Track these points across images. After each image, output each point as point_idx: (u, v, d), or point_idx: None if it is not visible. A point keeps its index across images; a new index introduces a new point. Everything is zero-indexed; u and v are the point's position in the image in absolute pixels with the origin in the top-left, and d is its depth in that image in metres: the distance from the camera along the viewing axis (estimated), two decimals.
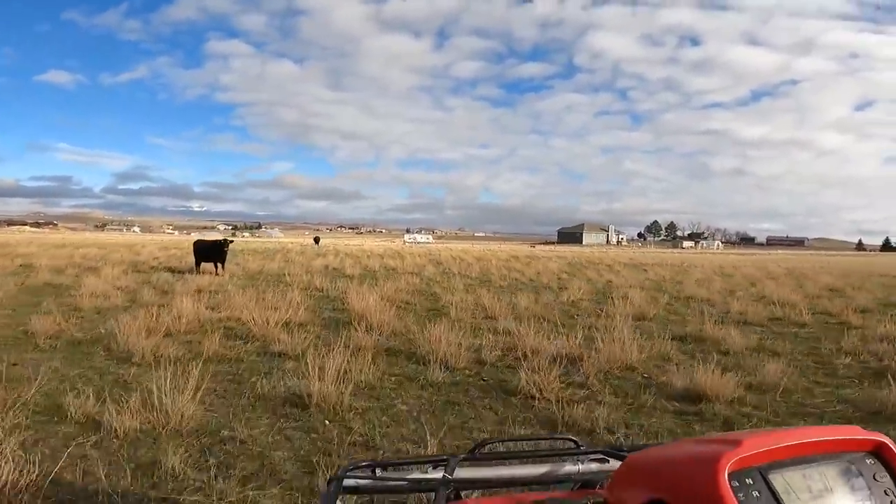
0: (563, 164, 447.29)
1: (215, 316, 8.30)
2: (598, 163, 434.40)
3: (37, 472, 2.96)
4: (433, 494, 0.97)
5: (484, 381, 5.56)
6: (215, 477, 3.23)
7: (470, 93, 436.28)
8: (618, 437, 4.05)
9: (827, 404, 5.05)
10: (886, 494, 0.71)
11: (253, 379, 5.28)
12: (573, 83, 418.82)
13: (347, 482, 0.99)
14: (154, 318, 7.19)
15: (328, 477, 1.11)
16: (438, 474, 1.01)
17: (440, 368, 5.68)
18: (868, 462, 0.73)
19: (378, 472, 1.04)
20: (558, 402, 4.59)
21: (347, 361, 5.16)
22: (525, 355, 5.91)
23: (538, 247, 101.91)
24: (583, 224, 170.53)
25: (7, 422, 3.75)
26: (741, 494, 0.65)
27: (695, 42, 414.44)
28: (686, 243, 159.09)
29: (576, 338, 6.50)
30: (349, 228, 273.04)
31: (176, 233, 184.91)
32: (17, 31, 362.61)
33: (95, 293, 10.54)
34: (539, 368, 5.18)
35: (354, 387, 4.88)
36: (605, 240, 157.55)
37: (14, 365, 5.38)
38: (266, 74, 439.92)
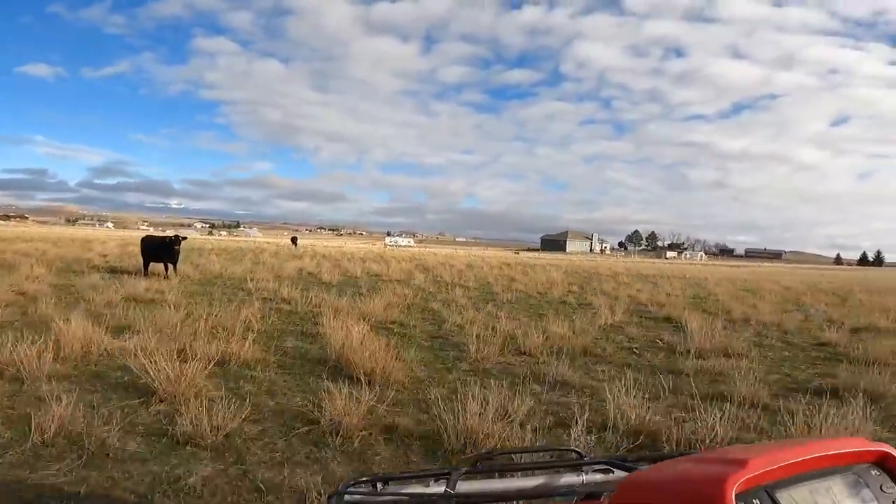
0: (545, 172, 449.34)
1: (115, 345, 5.56)
2: (581, 171, 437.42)
3: None
4: None
5: None
6: None
7: (455, 98, 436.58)
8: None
9: None
10: None
11: None
12: (558, 91, 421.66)
13: (348, 498, 0.95)
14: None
15: (328, 493, 1.04)
16: (440, 488, 0.98)
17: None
18: (874, 473, 0.71)
19: (379, 486, 0.99)
20: None
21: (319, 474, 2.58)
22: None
23: (522, 253, 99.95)
24: (566, 231, 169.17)
25: None
26: None
27: (679, 54, 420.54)
28: (669, 254, 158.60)
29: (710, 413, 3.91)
30: (329, 230, 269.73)
31: (151, 229, 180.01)
32: None
33: None
34: None
35: None
36: (589, 248, 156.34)
37: None
38: (251, 73, 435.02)
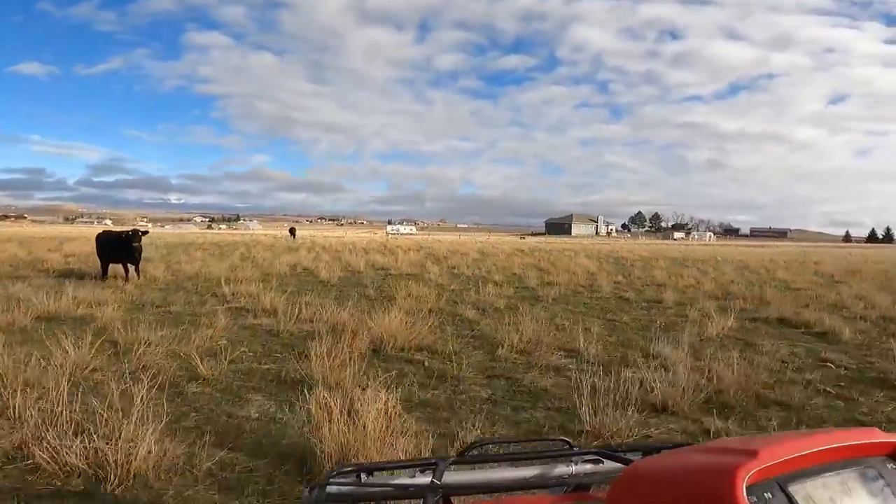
0: (543, 157, 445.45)
1: None
2: (578, 155, 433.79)
3: None
4: (420, 502, 0.89)
5: None
6: None
7: (451, 85, 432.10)
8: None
9: None
10: None
11: None
12: (554, 76, 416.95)
13: (331, 489, 0.91)
14: None
15: (311, 484, 0.94)
16: (427, 479, 0.94)
17: None
18: (889, 466, 0.68)
19: (364, 477, 0.97)
20: None
21: None
22: None
23: (528, 238, 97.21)
24: (571, 215, 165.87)
25: None
26: None
27: (675, 36, 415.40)
28: (676, 234, 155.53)
29: None
30: (329, 220, 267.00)
31: (150, 225, 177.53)
32: None
33: None
34: None
35: None
36: (595, 231, 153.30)
37: None
38: (246, 66, 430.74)
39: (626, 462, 0.96)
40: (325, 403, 3.03)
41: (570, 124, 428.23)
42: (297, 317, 7.07)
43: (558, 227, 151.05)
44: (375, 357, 5.36)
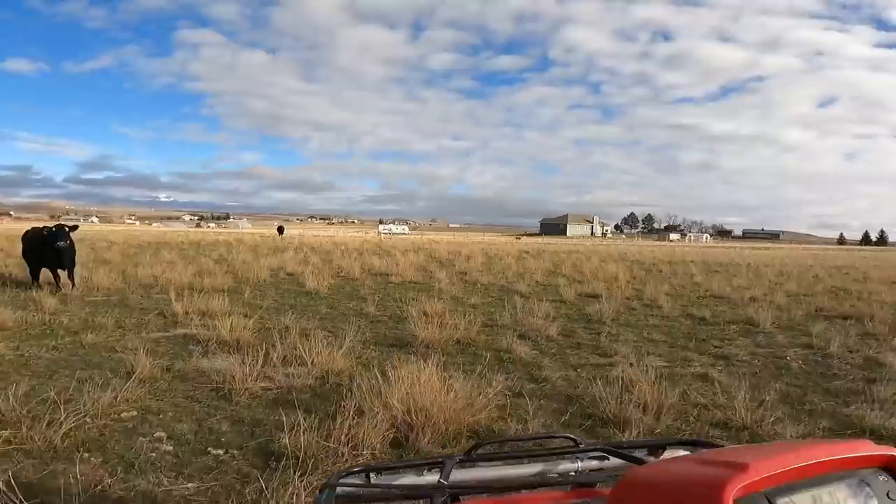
0: (535, 157, 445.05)
1: None
2: (570, 156, 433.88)
3: None
4: (428, 501, 0.90)
5: None
6: None
7: (444, 85, 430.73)
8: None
9: None
10: None
11: None
12: (547, 76, 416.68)
13: (340, 490, 0.93)
14: None
15: (320, 485, 0.96)
16: (434, 478, 0.96)
17: None
18: (881, 479, 0.67)
19: (372, 477, 0.99)
20: None
21: None
22: None
23: (523, 238, 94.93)
24: (566, 215, 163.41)
25: None
26: None
27: (667, 37, 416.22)
28: (672, 236, 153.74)
29: None
30: (320, 219, 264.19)
31: (137, 223, 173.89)
32: None
33: None
34: None
35: None
36: (590, 231, 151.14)
37: None
38: (237, 64, 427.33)
39: (631, 459, 0.96)
40: None
41: (563, 125, 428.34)
42: (265, 358, 4.63)
43: (553, 227, 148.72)
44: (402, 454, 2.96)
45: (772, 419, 3.49)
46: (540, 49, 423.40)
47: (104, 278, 10.01)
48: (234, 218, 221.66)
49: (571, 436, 1.12)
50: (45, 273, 9.23)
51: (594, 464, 1.04)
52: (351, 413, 3.02)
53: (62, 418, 2.97)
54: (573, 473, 1.04)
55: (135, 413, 3.45)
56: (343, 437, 2.84)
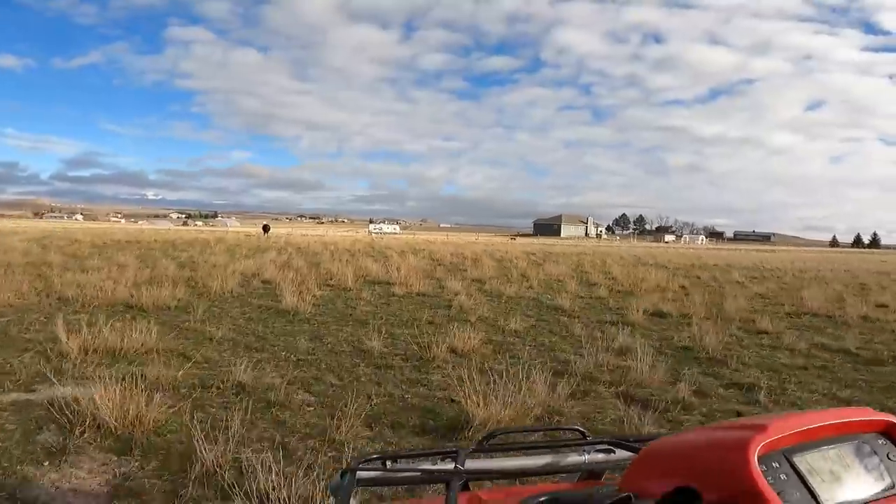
0: (525, 158, 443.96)
1: None
2: (560, 157, 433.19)
3: None
4: (442, 486, 0.93)
5: None
6: None
7: (435, 85, 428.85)
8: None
9: None
10: None
11: None
12: (538, 77, 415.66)
13: (361, 474, 0.93)
14: None
15: (340, 470, 0.94)
16: (448, 466, 0.96)
17: None
18: (880, 442, 0.73)
19: (388, 464, 0.97)
20: None
21: None
22: None
23: (518, 239, 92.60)
24: (560, 216, 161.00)
25: None
26: (770, 477, 0.64)
27: (658, 40, 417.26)
28: (667, 237, 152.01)
29: None
30: (310, 218, 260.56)
31: (123, 221, 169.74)
32: None
33: None
34: None
35: None
36: (584, 232, 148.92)
37: None
38: (228, 62, 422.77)
39: (637, 451, 0.94)
40: None
41: (553, 126, 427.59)
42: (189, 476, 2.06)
43: (547, 227, 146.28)
44: None
45: None
46: (532, 50, 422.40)
47: (8, 287, 7.39)
48: (222, 216, 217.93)
49: (579, 428, 1.08)
50: None
51: (600, 456, 1.04)
52: None
53: None
54: (580, 465, 1.04)
55: None
56: None
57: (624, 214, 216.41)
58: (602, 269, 17.53)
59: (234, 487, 2.31)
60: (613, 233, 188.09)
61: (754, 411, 3.88)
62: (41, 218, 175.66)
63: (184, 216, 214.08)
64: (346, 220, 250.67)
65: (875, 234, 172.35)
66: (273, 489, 2.27)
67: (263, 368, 4.52)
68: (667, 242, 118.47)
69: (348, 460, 1.06)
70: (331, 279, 11.03)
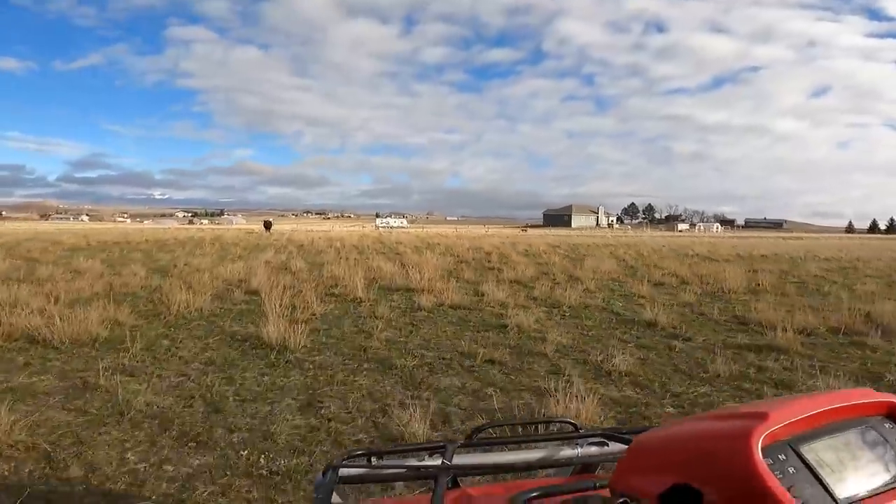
0: (528, 149, 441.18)
1: None
2: (563, 147, 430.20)
3: None
4: (430, 483, 0.87)
5: None
6: None
7: (436, 78, 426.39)
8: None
9: None
10: None
11: None
12: (540, 69, 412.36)
13: (344, 471, 0.91)
14: None
15: (323, 468, 0.92)
16: (436, 461, 0.93)
17: None
18: (886, 426, 0.68)
19: (374, 460, 0.95)
20: None
21: None
22: None
23: (529, 230, 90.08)
24: (571, 206, 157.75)
25: None
26: (777, 472, 0.57)
27: (660, 29, 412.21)
28: (681, 226, 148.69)
29: None
30: (316, 214, 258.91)
31: (128, 221, 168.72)
32: None
33: None
34: None
35: None
36: (595, 222, 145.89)
37: None
38: (229, 60, 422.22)
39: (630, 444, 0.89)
40: None
41: (556, 117, 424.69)
42: None
43: (557, 218, 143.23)
44: None
45: None
46: (533, 42, 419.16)
47: None
48: (228, 214, 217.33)
49: (571, 420, 1.04)
50: None
51: (593, 450, 1.01)
52: None
53: None
54: (573, 458, 1.01)
55: None
56: None
57: (633, 203, 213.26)
58: (648, 262, 15.09)
59: None
60: (622, 222, 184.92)
61: None
62: (47, 220, 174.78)
63: (189, 215, 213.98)
64: (351, 215, 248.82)
65: (892, 219, 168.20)
66: None
67: None
68: (680, 231, 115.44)
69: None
70: (336, 286, 8.67)
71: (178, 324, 5.72)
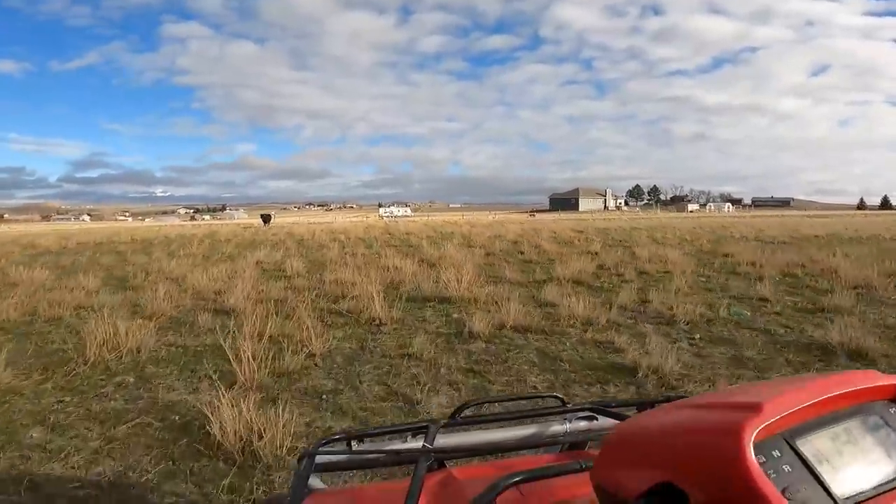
0: (528, 135, 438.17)
1: None
2: (563, 132, 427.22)
3: None
4: (413, 466, 0.81)
5: None
6: None
7: (435, 67, 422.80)
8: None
9: None
10: None
11: None
12: (538, 54, 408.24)
13: (320, 458, 0.86)
14: None
15: (299, 455, 0.87)
16: (418, 443, 0.89)
17: None
18: (892, 411, 0.61)
19: (354, 444, 0.91)
20: None
21: None
22: None
23: (537, 215, 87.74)
24: (577, 189, 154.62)
25: None
26: (771, 471, 0.50)
27: (657, 11, 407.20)
28: (691, 206, 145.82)
29: None
30: (319, 206, 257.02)
31: (130, 219, 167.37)
32: None
33: None
34: None
35: None
36: (603, 205, 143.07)
37: None
38: (225, 56, 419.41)
39: (621, 418, 0.91)
40: None
41: (555, 102, 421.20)
42: None
43: (564, 202, 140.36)
44: None
45: None
46: (531, 28, 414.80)
47: None
48: (230, 209, 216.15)
49: (558, 395, 1.00)
50: None
51: (583, 424, 0.97)
52: None
53: None
54: (562, 435, 0.96)
55: None
56: None
57: (637, 185, 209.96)
58: (704, 248, 12.81)
59: None
60: (628, 205, 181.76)
61: None
62: (48, 221, 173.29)
63: (191, 211, 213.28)
64: (354, 206, 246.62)
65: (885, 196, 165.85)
66: None
67: None
68: (691, 212, 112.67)
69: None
70: (343, 297, 6.39)
71: (83, 384, 3.46)
